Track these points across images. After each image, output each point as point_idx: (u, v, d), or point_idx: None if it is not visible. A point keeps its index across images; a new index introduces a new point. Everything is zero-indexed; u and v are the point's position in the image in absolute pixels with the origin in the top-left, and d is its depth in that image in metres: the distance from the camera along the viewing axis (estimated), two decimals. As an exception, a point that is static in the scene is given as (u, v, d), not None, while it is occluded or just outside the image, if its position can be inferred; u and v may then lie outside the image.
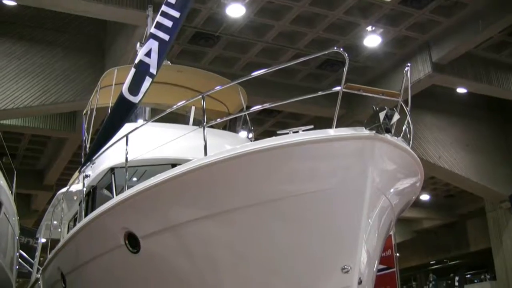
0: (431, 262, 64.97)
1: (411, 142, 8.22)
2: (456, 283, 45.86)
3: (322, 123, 7.26)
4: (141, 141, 10.73)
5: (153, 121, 10.82)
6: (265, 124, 34.20)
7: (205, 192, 7.42)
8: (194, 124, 13.13)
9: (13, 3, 23.62)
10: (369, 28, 25.67)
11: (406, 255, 55.52)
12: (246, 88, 14.25)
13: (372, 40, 26.52)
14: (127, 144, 9.56)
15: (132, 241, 8.42)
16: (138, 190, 7.96)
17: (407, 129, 8.47)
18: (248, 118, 14.17)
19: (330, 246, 7.09)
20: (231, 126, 14.27)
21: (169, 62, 14.77)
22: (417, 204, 47.50)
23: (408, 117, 8.28)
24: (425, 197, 47.77)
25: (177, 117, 14.30)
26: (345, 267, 7.01)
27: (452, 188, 46.44)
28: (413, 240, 58.59)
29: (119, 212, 8.46)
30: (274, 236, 7.26)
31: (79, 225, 9.86)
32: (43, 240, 18.38)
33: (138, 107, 12.33)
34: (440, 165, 32.80)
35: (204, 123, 8.31)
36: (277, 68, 10.94)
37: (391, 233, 10.97)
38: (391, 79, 28.39)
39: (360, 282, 7.24)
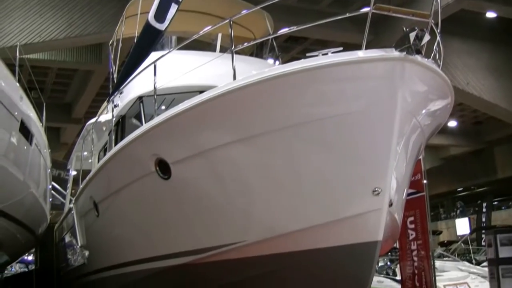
0: (458, 189, 65.08)
1: (441, 64, 8.11)
2: (484, 210, 45.79)
3: (349, 49, 7.18)
4: (169, 69, 10.72)
5: (180, 49, 10.78)
6: (292, 52, 33.99)
7: (235, 116, 7.41)
8: (220, 51, 13.05)
9: None
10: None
11: (434, 182, 55.37)
12: (272, 15, 14.14)
13: (400, -36, 26.05)
14: (155, 72, 9.55)
15: (163, 168, 8.48)
16: (167, 116, 7.97)
17: (437, 51, 8.35)
18: (275, 44, 14.07)
19: (360, 168, 7.09)
20: (258, 53, 14.19)
21: (194, -10, 14.61)
22: (445, 131, 47.33)
23: (438, 38, 8.14)
24: (452, 123, 47.49)
25: (204, 47, 14.22)
26: (376, 189, 7.01)
27: (480, 114, 46.22)
28: (441, 167, 58.59)
29: (149, 139, 8.50)
30: (304, 160, 7.27)
31: (109, 153, 9.94)
32: (74, 172, 18.64)
33: (164, 36, 12.28)
34: (469, 91, 32.54)
35: (232, 48, 8.25)
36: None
37: (421, 157, 10.91)
38: (418, 4, 27.88)
39: (390, 205, 7.27)
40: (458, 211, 57.50)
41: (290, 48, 33.95)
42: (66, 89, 40.02)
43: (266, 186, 7.65)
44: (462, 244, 29.21)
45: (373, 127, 6.93)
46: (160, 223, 9.35)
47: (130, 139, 8.90)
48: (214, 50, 13.59)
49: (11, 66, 12.60)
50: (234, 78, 7.81)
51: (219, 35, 13.40)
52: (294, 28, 8.55)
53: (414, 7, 27.53)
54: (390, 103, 6.83)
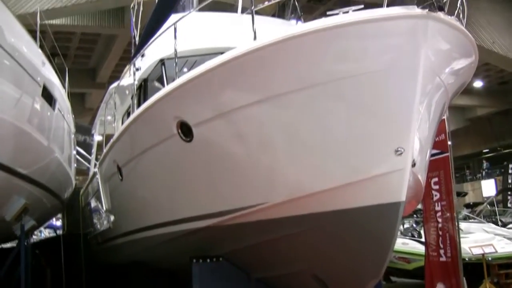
0: (484, 150, 64.74)
1: (464, 22, 7.98)
2: (510, 171, 45.51)
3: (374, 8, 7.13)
4: (191, 31, 10.66)
5: (201, 11, 10.70)
6: (315, 12, 33.73)
7: (257, 76, 7.34)
8: (242, 13, 12.96)
9: None
10: None
11: (459, 143, 55.32)
12: (293, -25, 14.00)
13: None
14: (175, 35, 9.48)
15: (185, 130, 8.45)
16: (188, 77, 7.92)
17: (460, 9, 8.20)
18: (297, 4, 13.92)
19: (383, 128, 7.01)
20: (280, 14, 14.07)
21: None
22: (470, 91, 46.91)
23: (462, -5, 8.01)
24: (478, 84, 46.98)
25: (227, 8, 14.12)
26: (399, 149, 6.94)
27: (506, 74, 45.65)
28: (466, 128, 58.22)
29: (171, 100, 8.46)
30: (327, 119, 7.20)
31: (132, 116, 9.92)
32: (99, 137, 18.74)
33: (185, -2, 12.20)
34: (494, 50, 32.10)
35: (252, 7, 8.17)
36: None
37: (445, 117, 10.80)
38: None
39: (413, 165, 7.20)
40: (484, 173, 57.26)
41: (314, 8, 33.69)
42: (90, 54, 40.18)
43: (289, 146, 7.60)
44: (488, 206, 29.05)
45: (396, 86, 6.84)
46: (183, 186, 9.37)
47: (151, 102, 8.88)
48: (237, 12, 13.50)
49: (33, 33, 12.61)
50: (255, 38, 7.75)
51: (241, -5, 13.30)
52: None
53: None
54: (413, 62, 6.73)
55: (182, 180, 9.34)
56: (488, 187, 52.42)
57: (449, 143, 11.62)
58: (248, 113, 7.62)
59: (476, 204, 30.65)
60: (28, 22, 14.24)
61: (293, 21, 13.93)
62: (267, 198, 8.01)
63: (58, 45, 20.48)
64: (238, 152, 8.08)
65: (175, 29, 9.42)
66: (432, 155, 9.80)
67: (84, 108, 45.26)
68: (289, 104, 7.31)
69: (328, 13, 7.07)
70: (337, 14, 6.97)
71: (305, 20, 14.06)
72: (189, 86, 8.00)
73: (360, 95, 6.97)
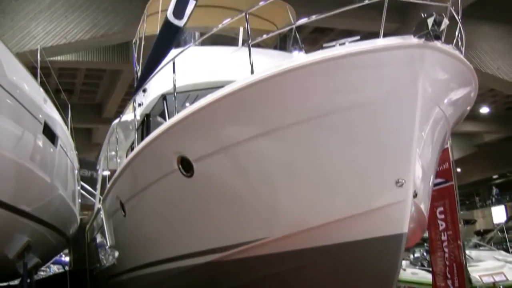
0: (494, 177, 64.42)
1: (463, 50, 7.93)
2: (521, 197, 45.19)
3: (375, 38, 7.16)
4: (193, 65, 10.67)
5: (201, 45, 10.71)
6: (318, 44, 33.81)
7: (255, 110, 7.30)
8: (243, 45, 13.00)
9: None
10: None
11: (468, 170, 55.06)
12: (295, 6, 14.02)
13: None
14: (174, 69, 9.48)
15: (185, 165, 8.41)
16: (187, 112, 7.90)
17: (459, 36, 8.16)
18: (298, 36, 13.95)
19: (383, 159, 6.95)
20: (282, 46, 14.09)
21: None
22: (477, 117, 46.76)
23: (459, 23, 7.96)
24: (484, 110, 46.82)
25: (230, 42, 14.15)
26: (399, 180, 6.87)
27: (512, 100, 45.57)
28: (475, 154, 57.93)
29: (170, 136, 8.43)
30: (328, 152, 7.15)
31: (133, 152, 9.90)
32: (107, 172, 18.70)
33: (186, 32, 12.24)
34: (499, 76, 31.99)
35: (249, 41, 8.15)
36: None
37: (448, 145, 10.70)
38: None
39: (415, 196, 7.12)
40: (494, 199, 56.88)
41: (317, 40, 33.77)
42: (95, 90, 40.37)
43: (289, 180, 7.54)
44: (499, 233, 28.78)
45: (395, 116, 6.79)
46: (185, 222, 9.30)
47: (152, 138, 8.86)
48: (237, 44, 13.51)
49: (36, 70, 12.66)
50: (252, 72, 7.72)
51: (241, 29, 13.32)
52: (313, 18, 8.42)
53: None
54: (411, 92, 6.67)
55: (183, 215, 9.27)
56: (498, 214, 51.96)
57: (458, 169, 11.52)
58: (247, 147, 7.57)
59: (486, 231, 30.34)
60: (30, 60, 14.30)
61: (295, 53, 13.93)
62: (269, 232, 7.94)
63: (63, 81, 20.66)
64: (239, 187, 8.02)
65: (173, 64, 9.42)
66: (437, 184, 9.70)
67: (91, 143, 45.34)
68: (287, 138, 7.27)
69: (324, 45, 7.06)
70: (333, 46, 6.95)
71: (308, 51, 14.11)
72: (188, 121, 7.97)
73: (358, 127, 6.92)
